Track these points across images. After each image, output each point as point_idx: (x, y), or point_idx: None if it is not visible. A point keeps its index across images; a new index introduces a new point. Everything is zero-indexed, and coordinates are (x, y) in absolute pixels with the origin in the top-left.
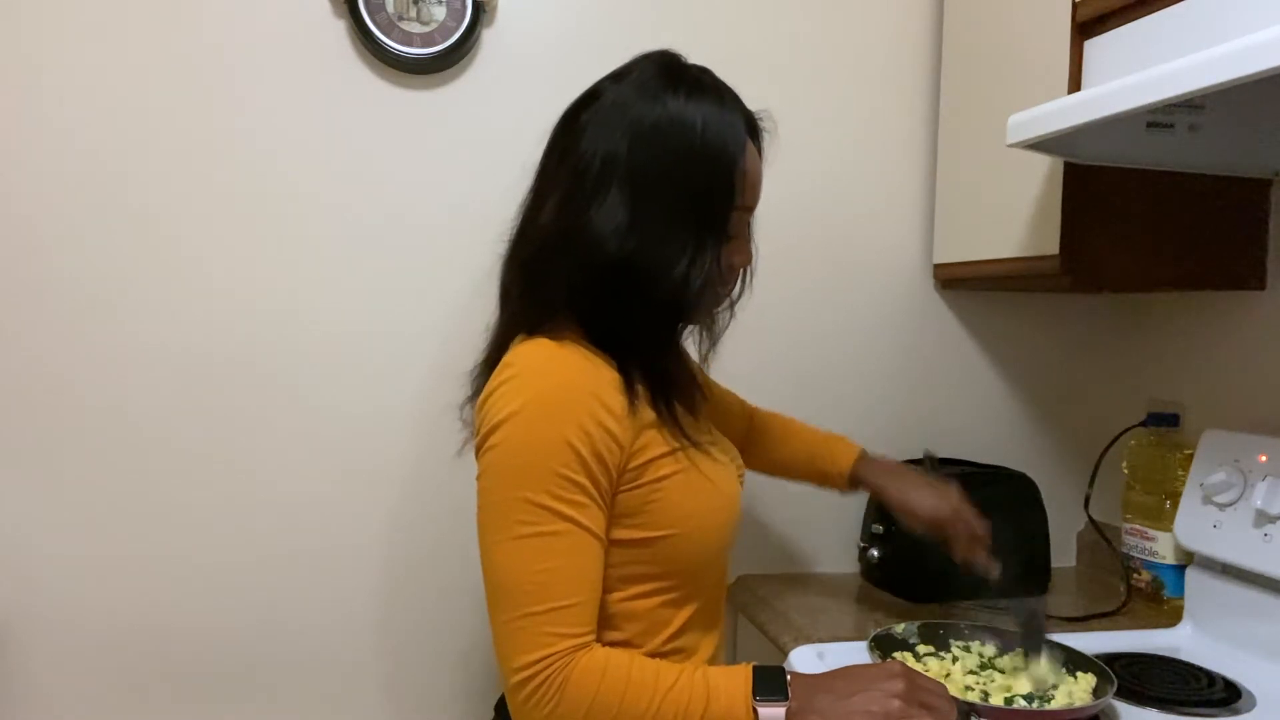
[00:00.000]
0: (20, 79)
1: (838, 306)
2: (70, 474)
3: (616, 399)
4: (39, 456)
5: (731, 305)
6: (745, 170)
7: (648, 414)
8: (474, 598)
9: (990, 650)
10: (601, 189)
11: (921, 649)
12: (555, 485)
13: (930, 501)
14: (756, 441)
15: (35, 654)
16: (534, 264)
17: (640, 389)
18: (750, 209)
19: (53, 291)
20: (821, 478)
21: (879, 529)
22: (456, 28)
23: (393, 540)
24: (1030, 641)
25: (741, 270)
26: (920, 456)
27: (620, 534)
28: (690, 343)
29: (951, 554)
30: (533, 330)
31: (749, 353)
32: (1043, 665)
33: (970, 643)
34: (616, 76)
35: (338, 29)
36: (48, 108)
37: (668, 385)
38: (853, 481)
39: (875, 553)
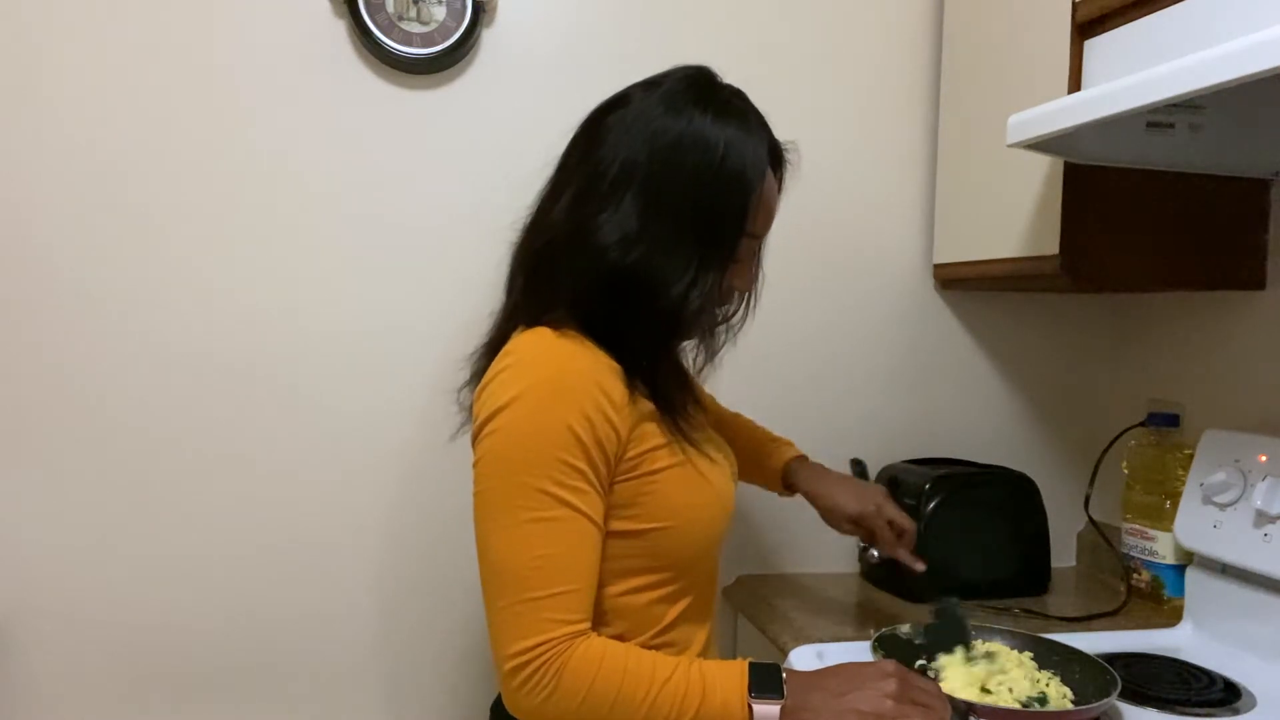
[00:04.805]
0: (19, 80)
1: (838, 307)
2: (70, 473)
3: (617, 387)
4: (39, 456)
5: (730, 328)
6: (761, 198)
7: (646, 405)
8: (474, 595)
9: (992, 648)
10: (615, 195)
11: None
12: (557, 471)
13: (854, 501)
14: None
15: (35, 654)
16: (538, 258)
17: (639, 381)
18: (760, 237)
19: (53, 291)
20: (761, 479)
21: None
22: (456, 28)
23: (393, 539)
24: (933, 639)
25: (743, 294)
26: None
27: (615, 525)
28: (686, 358)
29: (878, 550)
30: (532, 322)
31: (749, 352)
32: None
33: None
34: (648, 85)
35: (338, 29)
36: (47, 108)
37: (665, 385)
38: (785, 483)
39: (875, 553)
